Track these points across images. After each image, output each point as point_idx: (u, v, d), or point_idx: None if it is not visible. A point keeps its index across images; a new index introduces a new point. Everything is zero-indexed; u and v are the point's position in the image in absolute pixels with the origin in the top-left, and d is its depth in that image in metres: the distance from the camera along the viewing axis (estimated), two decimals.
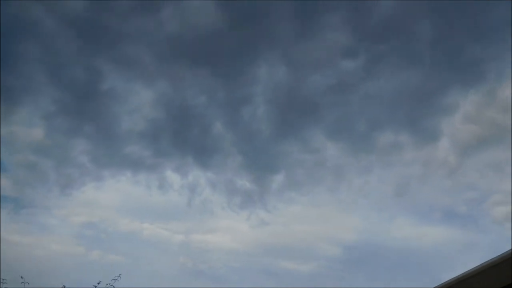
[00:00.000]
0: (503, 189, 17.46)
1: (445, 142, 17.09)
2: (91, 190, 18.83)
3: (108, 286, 8.98)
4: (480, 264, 4.96)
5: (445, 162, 17.32)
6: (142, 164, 17.80)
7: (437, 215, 18.90)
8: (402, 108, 16.13)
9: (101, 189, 19.29)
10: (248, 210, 18.53)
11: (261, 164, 17.41)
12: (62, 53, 15.23)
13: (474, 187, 18.14)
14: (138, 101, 17.02)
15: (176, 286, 18.99)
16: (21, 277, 8.82)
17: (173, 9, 14.77)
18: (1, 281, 8.70)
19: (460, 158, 17.22)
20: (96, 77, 15.68)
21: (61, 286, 8.91)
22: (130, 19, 14.84)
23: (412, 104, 15.96)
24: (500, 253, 4.67)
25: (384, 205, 18.64)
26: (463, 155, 17.21)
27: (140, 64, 15.88)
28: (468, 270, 5.15)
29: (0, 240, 16.18)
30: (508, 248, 4.54)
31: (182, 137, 17.05)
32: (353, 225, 19.27)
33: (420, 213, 18.89)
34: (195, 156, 17.62)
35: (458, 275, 5.33)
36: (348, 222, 19.26)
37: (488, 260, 4.83)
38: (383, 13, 14.31)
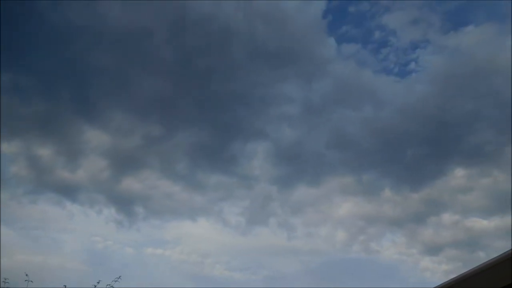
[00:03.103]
0: (332, 217, 22.44)
1: (262, 182, 21.85)
2: None
3: (108, 286, 9.02)
4: (480, 264, 4.95)
5: (269, 197, 21.98)
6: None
7: (293, 234, 22.55)
8: (207, 156, 21.30)
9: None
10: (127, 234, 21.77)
11: (119, 198, 21.17)
12: None
13: (305, 215, 22.52)
14: None
15: (174, 287, 21.05)
16: (26, 275, 8.83)
17: None
18: (3, 280, 8.73)
19: (280, 194, 21.88)
20: None
21: (62, 286, 8.94)
22: None
23: (214, 152, 21.19)
24: (500, 253, 4.67)
25: (244, 231, 22.43)
26: (279, 189, 21.84)
27: None
28: (468, 270, 5.15)
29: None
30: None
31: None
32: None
33: (276, 234, 22.71)
34: (64, 194, 21.22)
35: (458, 275, 5.33)
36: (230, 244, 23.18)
37: (488, 260, 4.83)
38: (152, 91, 19.87)
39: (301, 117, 21.44)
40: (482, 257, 20.21)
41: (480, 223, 21.15)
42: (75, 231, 22.20)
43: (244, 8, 18.93)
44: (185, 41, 19.02)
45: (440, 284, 5.69)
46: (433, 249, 21.64)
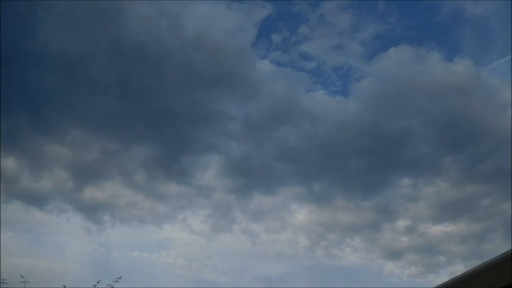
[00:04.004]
0: (292, 223, 23.93)
1: (218, 192, 23.70)
2: None
3: (108, 286, 9.02)
4: (480, 264, 4.99)
5: (229, 205, 23.89)
6: None
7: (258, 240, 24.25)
8: (162, 168, 23.44)
9: None
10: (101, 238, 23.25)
11: (84, 207, 22.69)
12: None
13: (266, 222, 24.41)
14: None
15: (173, 286, 22.08)
16: (21, 276, 8.83)
17: None
18: (2, 281, 8.73)
19: (239, 203, 23.80)
20: None
21: (61, 286, 8.93)
22: None
23: (168, 164, 23.32)
24: (500, 253, 4.71)
25: (210, 237, 24.38)
26: (237, 199, 23.80)
27: None
28: (468, 270, 5.18)
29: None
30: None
31: None
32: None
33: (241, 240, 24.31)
34: (31, 203, 22.35)
35: (458, 275, 5.36)
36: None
37: (488, 260, 4.87)
38: (102, 110, 21.84)
39: (245, 133, 23.49)
40: (442, 261, 21.79)
41: (434, 229, 22.48)
42: (56, 236, 23.59)
43: (176, 37, 21.01)
44: (125, 65, 21.28)
45: (440, 284, 5.73)
46: (393, 254, 23.01)
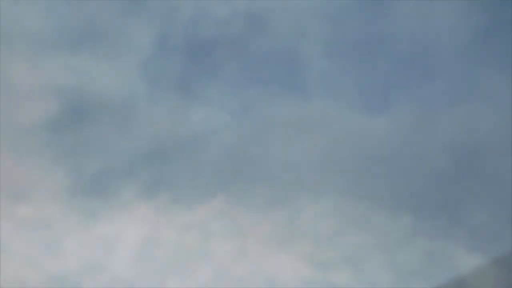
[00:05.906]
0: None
1: (142, 209, 26.37)
2: None
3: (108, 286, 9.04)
4: (480, 264, 4.96)
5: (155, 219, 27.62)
6: None
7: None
8: (86, 190, 26.97)
9: None
10: None
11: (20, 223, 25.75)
12: None
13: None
14: None
15: (174, 286, 22.02)
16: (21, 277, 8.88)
17: None
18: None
19: (161, 216, 27.29)
20: None
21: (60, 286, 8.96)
22: None
23: (87, 187, 26.49)
24: (500, 253, 4.68)
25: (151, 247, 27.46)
26: (162, 216, 26.82)
27: None
28: (468, 270, 5.16)
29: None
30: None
31: None
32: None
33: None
34: None
35: (458, 275, 5.34)
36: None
37: (488, 260, 4.84)
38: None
39: (142, 162, 27.94)
40: (373, 268, 24.60)
41: (347, 241, 26.07)
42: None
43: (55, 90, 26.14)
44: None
45: (440, 284, 5.70)
46: (321, 265, 25.85)
